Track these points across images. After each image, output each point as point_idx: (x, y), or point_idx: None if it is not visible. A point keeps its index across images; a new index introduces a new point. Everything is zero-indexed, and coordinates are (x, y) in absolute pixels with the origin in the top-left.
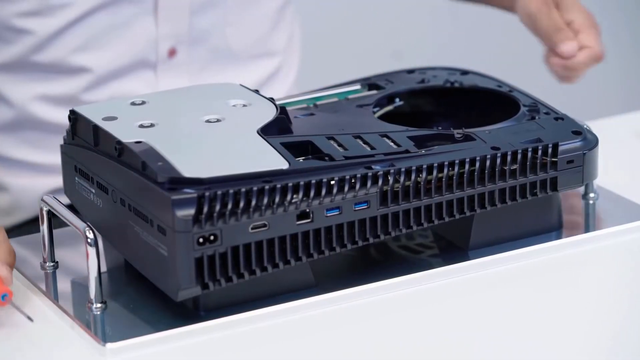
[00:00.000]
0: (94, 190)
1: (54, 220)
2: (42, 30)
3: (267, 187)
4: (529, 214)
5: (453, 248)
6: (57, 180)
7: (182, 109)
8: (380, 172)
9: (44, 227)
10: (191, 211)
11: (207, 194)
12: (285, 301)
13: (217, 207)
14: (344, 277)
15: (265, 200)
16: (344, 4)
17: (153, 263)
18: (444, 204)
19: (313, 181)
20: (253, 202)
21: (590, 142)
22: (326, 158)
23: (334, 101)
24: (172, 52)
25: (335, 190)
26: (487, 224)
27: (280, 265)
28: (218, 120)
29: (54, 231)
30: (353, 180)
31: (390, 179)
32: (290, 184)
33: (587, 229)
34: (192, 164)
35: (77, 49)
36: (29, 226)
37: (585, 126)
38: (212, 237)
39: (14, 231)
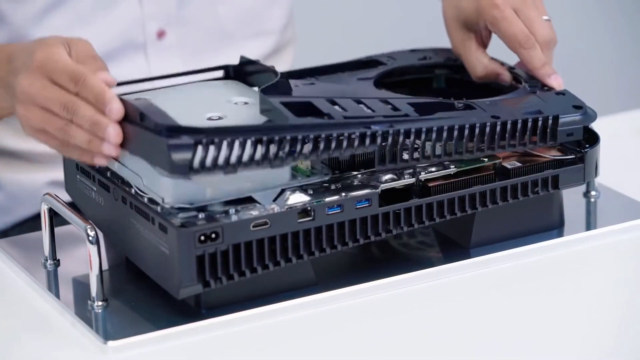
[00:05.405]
0: (95, 188)
1: (55, 218)
2: (22, 15)
3: (265, 138)
4: (530, 212)
5: (454, 246)
6: (52, 174)
7: (184, 106)
8: (379, 132)
9: (46, 226)
10: (187, 155)
11: (204, 140)
12: (286, 299)
13: (213, 154)
14: (345, 275)
15: (262, 152)
16: (344, 2)
17: (154, 261)
18: (445, 201)
19: (311, 136)
20: (249, 152)
21: (590, 117)
22: (325, 117)
23: (335, 74)
24: (161, 34)
25: (333, 146)
26: (489, 222)
27: (281, 263)
28: (220, 118)
29: (55, 229)
30: (352, 137)
31: (389, 139)
32: (287, 137)
33: (588, 227)
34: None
35: (62, 30)
36: (30, 224)
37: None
38: (213, 235)
39: (15, 229)
